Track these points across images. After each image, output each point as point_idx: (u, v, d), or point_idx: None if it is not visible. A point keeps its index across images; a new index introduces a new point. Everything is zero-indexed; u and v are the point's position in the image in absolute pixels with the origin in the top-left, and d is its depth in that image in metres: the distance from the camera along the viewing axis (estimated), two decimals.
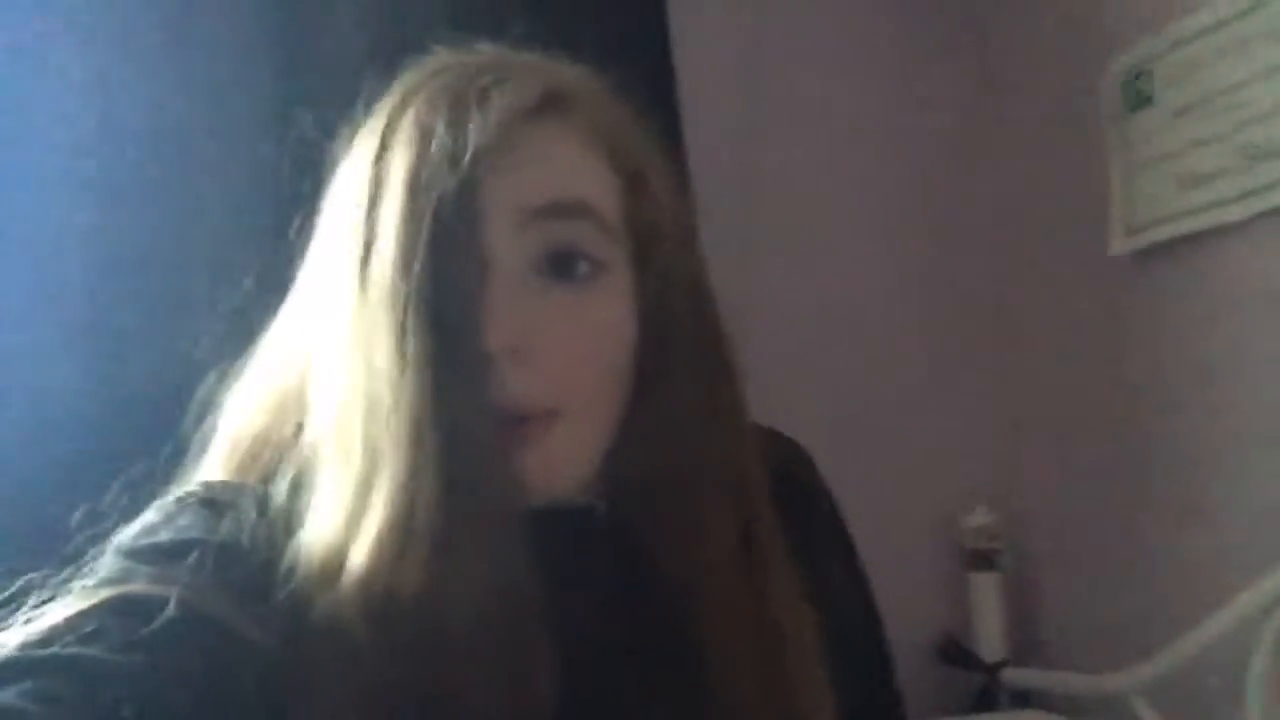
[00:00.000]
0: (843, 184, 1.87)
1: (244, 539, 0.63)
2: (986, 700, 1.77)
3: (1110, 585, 1.71)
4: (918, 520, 1.86)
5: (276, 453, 0.68)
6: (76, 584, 0.59)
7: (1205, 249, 1.54)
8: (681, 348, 0.71)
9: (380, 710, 0.58)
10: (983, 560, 1.82)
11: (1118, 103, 1.66)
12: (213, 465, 0.72)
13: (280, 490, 0.66)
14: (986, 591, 1.81)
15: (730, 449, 0.72)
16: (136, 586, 0.57)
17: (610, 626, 0.68)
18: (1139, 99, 1.62)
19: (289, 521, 0.63)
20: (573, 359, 0.66)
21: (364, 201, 0.65)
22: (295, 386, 0.70)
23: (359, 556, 0.59)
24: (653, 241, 0.71)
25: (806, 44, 1.88)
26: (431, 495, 0.59)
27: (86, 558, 0.61)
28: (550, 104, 0.68)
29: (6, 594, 0.58)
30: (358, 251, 0.64)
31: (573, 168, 0.68)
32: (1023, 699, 1.76)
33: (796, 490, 0.81)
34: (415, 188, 0.63)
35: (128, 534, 0.63)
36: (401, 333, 0.61)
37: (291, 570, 0.60)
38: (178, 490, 0.69)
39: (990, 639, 1.79)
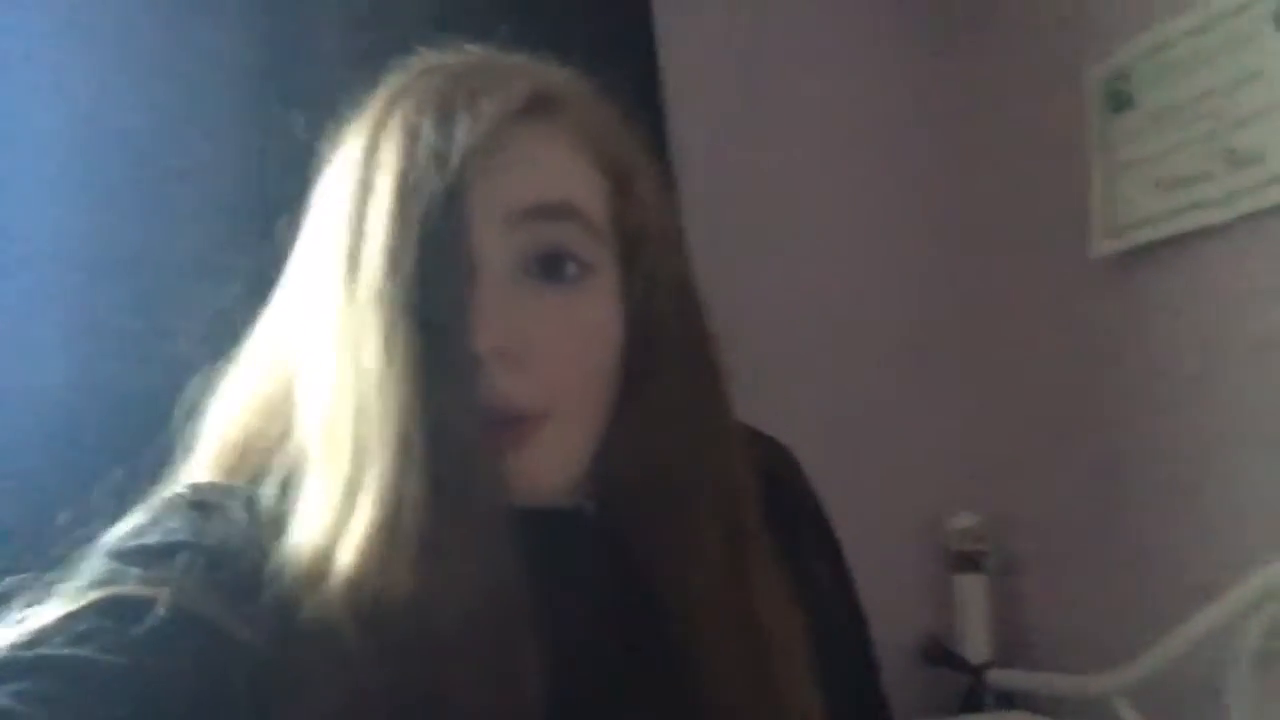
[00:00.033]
0: (827, 186, 1.88)
1: (232, 540, 0.63)
2: (972, 701, 1.78)
3: (1094, 587, 1.71)
4: (903, 523, 1.87)
5: (264, 454, 0.68)
6: (65, 585, 0.58)
7: (1186, 251, 1.55)
8: (668, 349, 0.71)
9: (369, 711, 0.58)
10: (968, 562, 1.83)
11: (1099, 105, 1.67)
12: (200, 466, 0.71)
13: (268, 491, 0.66)
14: (971, 593, 1.82)
15: (717, 451, 0.73)
16: (126, 588, 0.57)
17: (599, 627, 0.68)
18: (1120, 101, 1.63)
19: (277, 522, 0.63)
20: (561, 360, 0.66)
21: (352, 202, 0.65)
22: (283, 387, 0.69)
23: (346, 557, 0.59)
24: (640, 243, 0.71)
25: (792, 46, 1.88)
26: (419, 496, 0.59)
27: (74, 559, 0.61)
28: (538, 106, 0.69)
29: None
30: (346, 252, 0.65)
31: (560, 169, 0.69)
32: (1007, 700, 1.77)
33: (783, 492, 0.81)
34: (403, 189, 0.63)
35: (115, 535, 0.63)
36: (389, 334, 0.61)
37: (280, 571, 0.60)
38: (165, 492, 0.68)
39: (975, 641, 1.80)
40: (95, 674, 0.53)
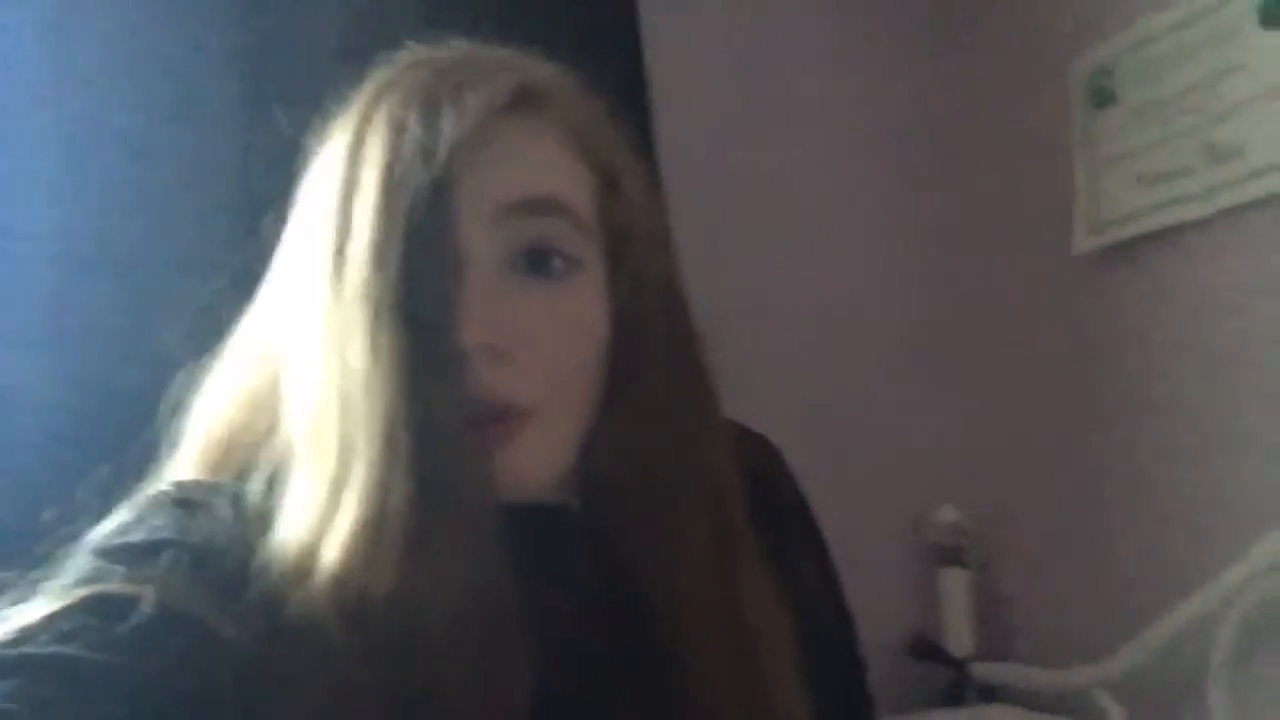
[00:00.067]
0: (812, 184, 1.88)
1: (218, 538, 0.62)
2: (955, 694, 1.79)
3: (1076, 581, 1.72)
4: (887, 519, 1.87)
5: (250, 450, 0.68)
6: (50, 584, 0.58)
7: (1167, 247, 1.56)
8: (654, 347, 0.71)
9: (355, 709, 0.57)
10: (951, 557, 1.84)
11: (1083, 101, 1.68)
12: (186, 463, 0.71)
13: (254, 488, 0.65)
14: (955, 588, 1.82)
15: (703, 449, 0.73)
16: (111, 586, 0.57)
17: (586, 625, 0.68)
18: (1103, 97, 1.64)
19: (263, 519, 0.63)
20: (547, 355, 0.66)
21: (338, 197, 0.65)
22: (268, 383, 0.69)
23: (331, 554, 0.59)
24: (626, 240, 0.71)
25: (778, 44, 1.88)
26: (405, 492, 0.59)
27: (60, 557, 0.61)
28: (525, 100, 0.68)
29: None
30: (331, 248, 0.64)
31: (547, 164, 0.68)
32: (990, 693, 1.78)
33: (768, 489, 0.82)
34: (389, 184, 0.63)
35: (100, 533, 0.63)
36: (375, 330, 0.61)
37: (265, 568, 0.60)
38: (150, 489, 0.68)
39: (959, 634, 1.81)
40: (80, 672, 0.52)
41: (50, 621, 0.54)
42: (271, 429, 0.67)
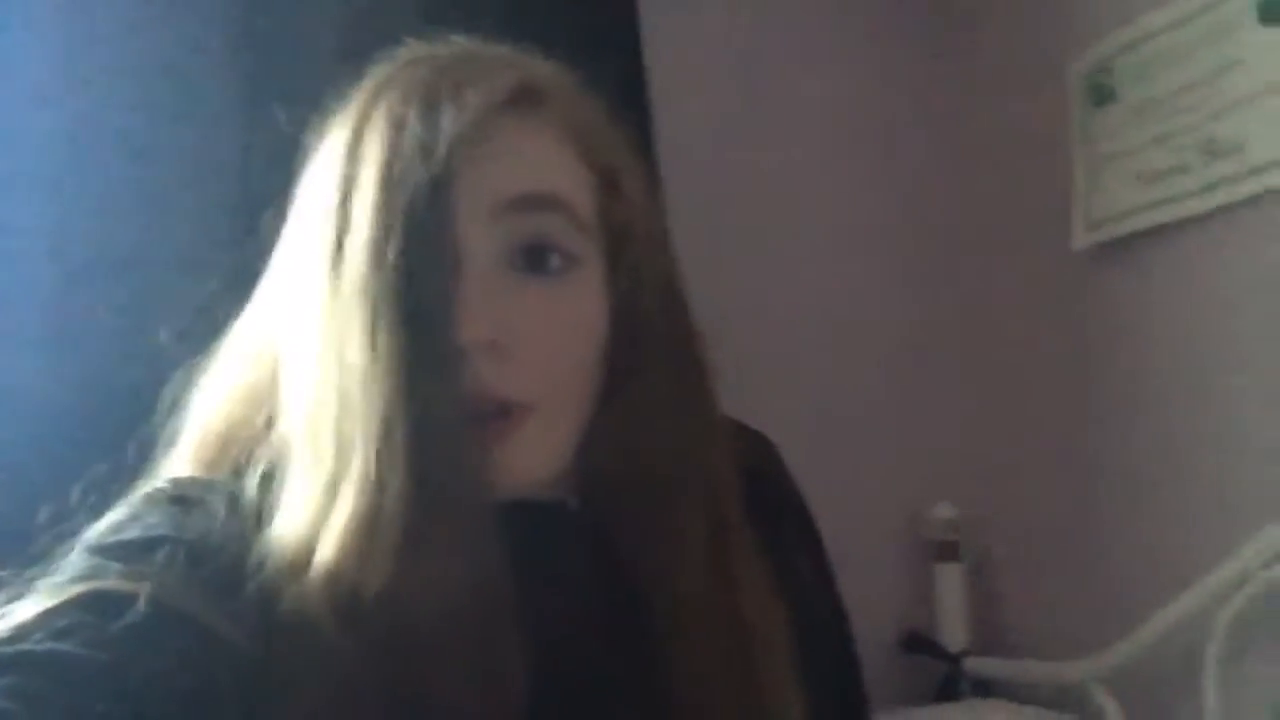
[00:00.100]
0: (811, 183, 1.88)
1: (213, 535, 0.62)
2: (949, 689, 1.79)
3: (1070, 576, 1.73)
4: (882, 514, 1.87)
5: (247, 447, 0.68)
6: (46, 581, 0.58)
7: (1166, 243, 1.56)
8: (653, 345, 0.71)
9: (350, 707, 0.58)
10: (947, 552, 1.84)
11: (1081, 99, 1.68)
12: (182, 460, 0.71)
13: (251, 485, 0.65)
14: (949, 583, 1.83)
15: (701, 447, 0.73)
16: (107, 583, 0.57)
17: (582, 623, 0.68)
18: (1102, 95, 1.63)
19: (259, 516, 0.63)
20: (545, 352, 0.66)
21: (336, 194, 0.65)
22: (266, 380, 0.69)
23: (326, 550, 0.59)
24: (625, 238, 0.71)
25: (778, 44, 1.88)
26: (400, 489, 0.59)
27: (55, 555, 0.61)
28: (524, 97, 0.68)
29: None
30: (330, 244, 0.64)
31: (545, 161, 0.68)
32: (985, 688, 1.78)
33: (765, 486, 0.82)
34: (388, 180, 0.63)
35: (96, 531, 0.63)
36: (373, 327, 0.61)
37: (261, 564, 0.60)
38: (146, 487, 0.68)
39: (953, 629, 1.81)
40: (75, 670, 0.53)
41: (46, 618, 0.54)
42: (269, 425, 0.68)
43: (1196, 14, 1.49)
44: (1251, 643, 1.37)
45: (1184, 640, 1.43)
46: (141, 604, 0.56)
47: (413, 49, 0.72)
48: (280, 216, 0.71)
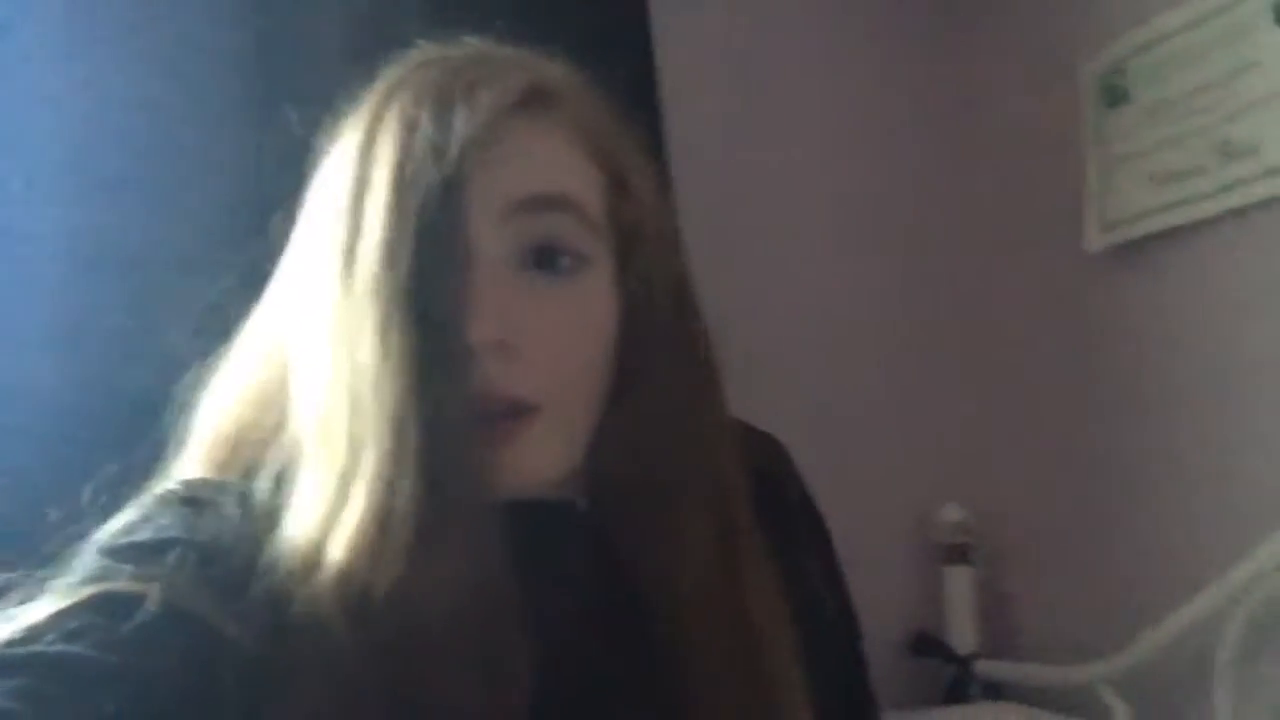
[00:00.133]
0: (821, 183, 1.88)
1: (224, 536, 0.63)
2: (959, 692, 1.79)
3: (1081, 579, 1.72)
4: (891, 516, 1.87)
5: (258, 447, 0.68)
6: (56, 582, 0.59)
7: (1178, 245, 1.55)
8: (662, 347, 0.71)
9: (356, 708, 0.58)
10: (956, 554, 1.83)
11: (1094, 100, 1.67)
12: (193, 461, 0.71)
13: (262, 485, 0.65)
14: (959, 585, 1.82)
15: (709, 448, 0.72)
16: (118, 584, 0.57)
17: (589, 623, 0.68)
18: (1115, 96, 1.63)
19: (270, 517, 0.63)
20: (555, 352, 0.66)
21: (349, 195, 0.65)
22: (277, 381, 0.69)
23: (337, 550, 0.59)
24: (635, 238, 0.71)
25: (788, 44, 1.87)
26: (411, 489, 0.59)
27: (66, 556, 0.61)
28: (535, 99, 0.68)
29: None
30: (342, 245, 0.64)
31: (556, 162, 0.68)
32: (994, 690, 1.78)
33: (774, 487, 0.81)
34: (400, 181, 0.63)
35: (107, 532, 0.63)
36: (385, 327, 0.61)
37: (272, 565, 0.60)
38: (157, 488, 0.68)
39: (962, 631, 1.81)
40: (86, 671, 0.53)
41: (57, 620, 0.55)
42: (280, 426, 0.68)
43: (1212, 15, 1.48)
44: (1265, 646, 1.36)
45: (1195, 643, 1.43)
46: (152, 605, 0.56)
47: (425, 50, 0.72)
48: (290, 217, 0.71)
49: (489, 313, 0.62)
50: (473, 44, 0.74)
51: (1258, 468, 1.43)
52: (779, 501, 0.81)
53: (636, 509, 0.70)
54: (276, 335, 0.71)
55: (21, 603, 0.57)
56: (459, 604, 0.59)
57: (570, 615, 0.66)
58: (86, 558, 0.61)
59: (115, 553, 0.60)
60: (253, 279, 0.73)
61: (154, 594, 0.56)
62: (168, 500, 0.66)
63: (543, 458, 0.66)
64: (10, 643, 0.53)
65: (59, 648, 0.53)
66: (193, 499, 0.66)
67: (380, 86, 0.69)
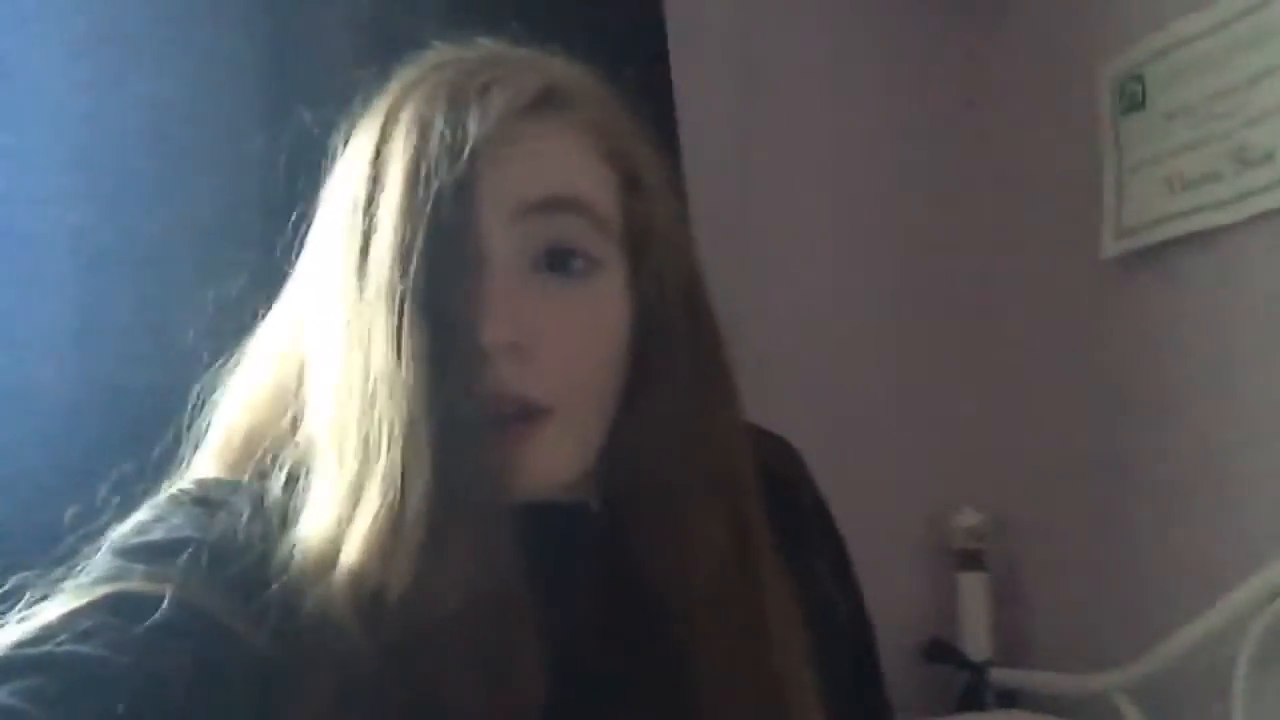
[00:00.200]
0: (835, 185, 1.87)
1: (238, 536, 0.63)
2: (972, 699, 1.78)
3: (1097, 585, 1.71)
4: (905, 521, 1.86)
5: (272, 448, 0.68)
6: (70, 583, 0.59)
7: (1196, 251, 1.55)
8: (675, 347, 0.71)
9: (367, 707, 0.58)
10: (970, 560, 1.82)
11: (1111, 106, 1.67)
12: (207, 461, 0.72)
13: (275, 486, 0.65)
14: (974, 591, 1.81)
15: (722, 451, 0.72)
16: (131, 585, 0.57)
17: (599, 626, 0.68)
18: (1132, 102, 1.62)
19: (284, 518, 0.63)
20: (567, 354, 0.66)
21: (362, 195, 0.65)
22: (291, 382, 0.70)
23: (350, 551, 0.59)
24: (648, 240, 0.71)
25: (802, 46, 1.87)
26: (424, 491, 0.59)
27: (80, 556, 0.61)
28: (549, 100, 0.68)
29: (0, 592, 0.58)
30: (356, 246, 0.64)
31: (569, 164, 0.68)
32: (1009, 698, 1.77)
33: (787, 490, 0.81)
34: (414, 182, 0.63)
35: (121, 533, 0.63)
36: (398, 328, 0.61)
37: (285, 566, 0.60)
38: (171, 488, 0.68)
39: (977, 638, 1.79)
40: (99, 671, 0.53)
41: (70, 620, 0.55)
42: (293, 427, 0.68)
43: (1231, 21, 1.47)
44: None
45: (1212, 652, 1.42)
46: (165, 605, 0.56)
47: (439, 52, 0.72)
48: (305, 217, 0.71)
49: (502, 315, 0.63)
50: (487, 45, 0.74)
51: (1276, 474, 1.42)
52: (792, 505, 0.81)
53: (649, 510, 0.70)
54: (291, 336, 0.71)
55: (35, 603, 0.57)
56: (471, 605, 0.59)
57: (582, 617, 0.66)
58: (99, 558, 0.61)
59: (128, 553, 0.61)
60: (266, 279, 0.73)
61: (168, 595, 0.56)
62: (181, 500, 0.66)
63: (555, 460, 0.66)
64: (23, 643, 0.53)
65: (71, 648, 0.53)
66: (206, 499, 0.66)
67: (394, 87, 0.70)
